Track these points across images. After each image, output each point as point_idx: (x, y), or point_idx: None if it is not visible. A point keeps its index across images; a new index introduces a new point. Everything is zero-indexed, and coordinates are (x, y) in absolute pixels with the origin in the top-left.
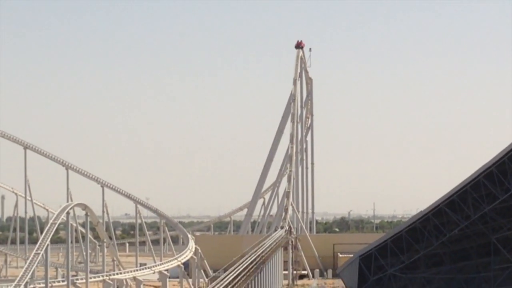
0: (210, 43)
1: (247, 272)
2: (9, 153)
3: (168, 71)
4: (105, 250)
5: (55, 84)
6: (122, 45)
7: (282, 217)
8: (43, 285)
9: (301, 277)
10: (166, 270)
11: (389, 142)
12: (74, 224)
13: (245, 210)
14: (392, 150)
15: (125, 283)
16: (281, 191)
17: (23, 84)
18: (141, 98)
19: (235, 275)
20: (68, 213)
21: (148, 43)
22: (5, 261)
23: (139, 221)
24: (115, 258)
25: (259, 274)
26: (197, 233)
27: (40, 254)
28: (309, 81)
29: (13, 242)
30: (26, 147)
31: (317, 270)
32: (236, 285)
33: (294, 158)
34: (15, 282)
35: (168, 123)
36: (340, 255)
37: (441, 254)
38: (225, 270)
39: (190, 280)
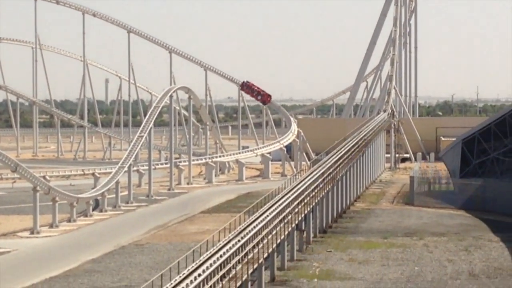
0: None
1: (349, 155)
2: (113, 37)
3: None
4: (208, 133)
5: None
6: None
7: (385, 100)
8: (146, 167)
9: (403, 160)
10: (269, 153)
11: (494, 24)
12: (177, 107)
13: (348, 94)
14: (496, 32)
15: (227, 165)
16: (384, 75)
17: None
18: None
19: (337, 158)
20: (171, 96)
21: None
22: (109, 143)
23: (241, 104)
24: (217, 141)
25: (361, 157)
26: (300, 116)
27: (144, 137)
28: None
29: (117, 125)
30: (129, 31)
31: (420, 153)
32: (338, 168)
33: (397, 41)
34: (119, 164)
35: (271, 7)
36: (443, 139)
37: None
38: (327, 153)
39: (292, 163)
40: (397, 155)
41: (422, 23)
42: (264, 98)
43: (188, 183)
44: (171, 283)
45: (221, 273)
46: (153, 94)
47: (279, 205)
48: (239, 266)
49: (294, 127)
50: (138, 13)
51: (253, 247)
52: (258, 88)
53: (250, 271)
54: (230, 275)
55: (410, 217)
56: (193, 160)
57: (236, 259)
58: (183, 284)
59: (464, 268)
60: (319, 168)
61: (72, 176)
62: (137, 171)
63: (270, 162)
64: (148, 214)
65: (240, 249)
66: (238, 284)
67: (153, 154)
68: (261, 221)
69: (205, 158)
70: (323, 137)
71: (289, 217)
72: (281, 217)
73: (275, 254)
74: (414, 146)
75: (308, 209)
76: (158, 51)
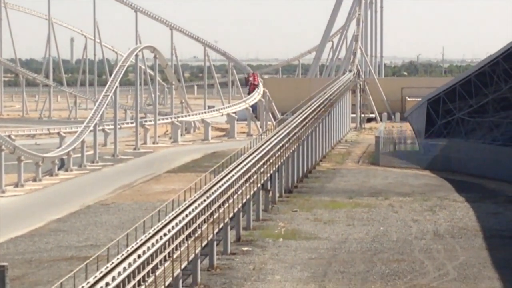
0: None
1: (315, 115)
2: None
3: None
4: (174, 92)
5: None
6: None
7: (351, 60)
8: (112, 126)
9: (369, 120)
10: (234, 112)
11: None
12: (143, 67)
13: (314, 53)
14: None
15: (193, 125)
16: (349, 35)
17: None
18: None
19: (303, 117)
20: (137, 55)
21: None
22: (75, 103)
23: (207, 63)
24: (183, 101)
25: (327, 117)
26: (265, 76)
27: (109, 96)
28: None
29: (82, 84)
30: None
31: (385, 113)
32: (304, 128)
33: (363, 1)
34: (84, 124)
35: None
36: (408, 99)
37: (510, 98)
38: (293, 113)
39: (258, 123)
40: (362, 115)
41: None
42: (250, 88)
43: (153, 143)
44: (137, 243)
45: (186, 233)
46: (119, 53)
47: (245, 165)
48: (205, 226)
49: (260, 87)
50: None
51: (219, 206)
52: (255, 79)
53: (216, 230)
54: (196, 235)
55: (375, 177)
56: (159, 120)
57: (201, 218)
58: (149, 244)
59: (429, 228)
60: (285, 128)
61: (37, 135)
62: (103, 130)
63: (235, 122)
64: (114, 174)
65: (206, 208)
66: (203, 244)
67: (118, 113)
68: (227, 181)
69: (171, 118)
70: (288, 97)
71: (255, 176)
72: (246, 176)
73: (241, 213)
74: (379, 106)
75: (274, 168)
76: (123, 10)
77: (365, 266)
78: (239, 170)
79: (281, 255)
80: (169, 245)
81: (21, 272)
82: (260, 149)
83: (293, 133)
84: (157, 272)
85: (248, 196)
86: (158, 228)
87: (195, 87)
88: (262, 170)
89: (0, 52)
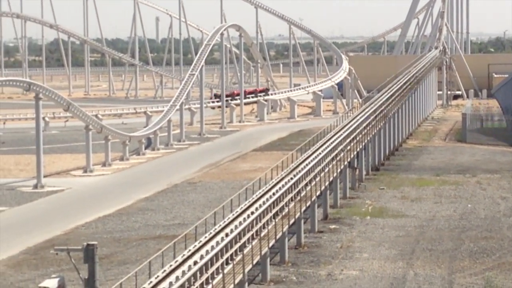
0: None
1: (401, 93)
2: None
3: None
4: (259, 71)
5: None
6: None
7: (436, 37)
8: (198, 105)
9: (455, 97)
10: (320, 90)
11: None
12: (228, 45)
13: (399, 31)
14: None
15: (279, 103)
16: (435, 11)
17: None
18: None
19: (389, 95)
20: (222, 34)
21: None
22: (161, 82)
23: (292, 42)
24: (269, 79)
25: (413, 95)
26: (351, 54)
27: (195, 75)
28: None
29: (168, 63)
30: None
31: (472, 90)
32: (390, 105)
33: None
34: (171, 103)
35: None
36: (495, 75)
37: None
38: (378, 91)
39: (344, 101)
40: (449, 92)
41: None
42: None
43: (240, 121)
44: (224, 221)
45: (274, 211)
46: (204, 32)
47: (332, 143)
48: (292, 204)
49: (345, 64)
50: None
51: (306, 185)
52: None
53: (303, 209)
54: (283, 213)
55: (462, 154)
56: (245, 98)
57: (288, 197)
58: (236, 222)
59: None
60: (371, 106)
61: (124, 114)
62: (189, 109)
63: (321, 100)
64: (200, 152)
65: (293, 187)
66: (291, 222)
67: (204, 92)
68: (314, 159)
69: (257, 96)
70: (374, 75)
71: (342, 154)
72: (333, 154)
73: (328, 192)
74: (466, 83)
75: (360, 146)
76: None
77: (453, 243)
78: (326, 148)
79: (369, 233)
80: (256, 223)
81: (109, 251)
82: (347, 127)
83: (379, 110)
84: (245, 251)
85: (335, 174)
86: (246, 206)
87: (281, 65)
88: (348, 148)
89: (87, 32)
